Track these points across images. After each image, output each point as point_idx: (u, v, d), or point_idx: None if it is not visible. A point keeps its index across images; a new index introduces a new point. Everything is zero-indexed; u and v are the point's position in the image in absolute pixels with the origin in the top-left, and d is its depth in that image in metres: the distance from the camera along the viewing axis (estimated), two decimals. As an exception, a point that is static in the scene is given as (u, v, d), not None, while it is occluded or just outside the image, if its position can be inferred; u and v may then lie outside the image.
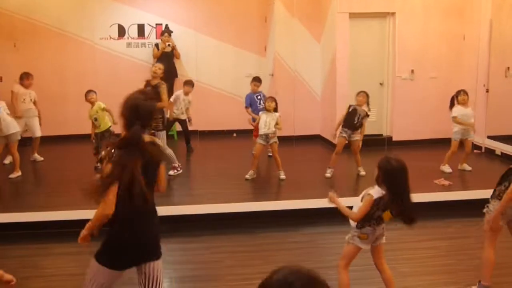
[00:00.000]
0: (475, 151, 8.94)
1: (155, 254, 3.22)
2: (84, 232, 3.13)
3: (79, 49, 10.51)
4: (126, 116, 3.12)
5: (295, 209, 6.30)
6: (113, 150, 3.04)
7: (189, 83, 9.10)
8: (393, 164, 3.68)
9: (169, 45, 10.44)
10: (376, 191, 3.77)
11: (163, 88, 7.54)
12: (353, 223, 3.91)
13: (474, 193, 6.83)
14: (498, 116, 8.00)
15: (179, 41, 10.62)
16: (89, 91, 8.04)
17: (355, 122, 7.56)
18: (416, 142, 9.57)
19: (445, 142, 9.21)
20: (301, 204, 6.33)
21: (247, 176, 7.51)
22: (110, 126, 8.01)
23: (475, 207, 6.50)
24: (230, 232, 5.92)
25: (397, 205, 3.71)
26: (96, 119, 7.97)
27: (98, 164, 8.04)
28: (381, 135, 10.02)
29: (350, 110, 7.62)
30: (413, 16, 9.58)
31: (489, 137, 8.74)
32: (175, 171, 7.77)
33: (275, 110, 7.49)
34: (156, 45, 10.58)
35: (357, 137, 7.57)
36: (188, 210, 6.23)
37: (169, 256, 3.25)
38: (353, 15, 9.46)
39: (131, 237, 3.11)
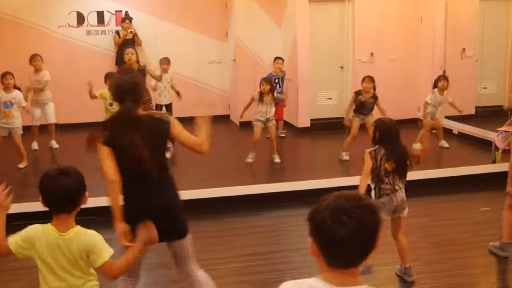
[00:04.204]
0: (433, 131, 9.13)
1: (174, 234, 3.33)
2: (117, 228, 3.13)
3: (36, 38, 10.25)
4: (115, 97, 3.20)
5: (258, 193, 6.35)
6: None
7: (165, 61, 8.93)
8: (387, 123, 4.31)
9: (131, 32, 10.30)
10: (369, 149, 4.31)
11: (150, 70, 7.57)
12: (373, 195, 4.25)
13: (434, 172, 7.03)
14: (455, 96, 8.16)
15: (139, 27, 10.50)
16: (110, 75, 7.46)
17: (365, 113, 7.58)
18: (377, 124, 9.70)
19: (405, 123, 9.39)
20: (264, 189, 6.39)
21: (249, 160, 7.48)
22: None
23: (433, 186, 6.73)
24: (193, 218, 5.93)
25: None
26: (111, 104, 7.71)
27: None
28: (342, 118, 10.10)
29: (357, 103, 7.58)
30: (372, -1, 9.68)
31: (446, 117, 8.93)
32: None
33: (271, 91, 7.46)
34: (117, 32, 10.43)
35: (372, 117, 7.47)
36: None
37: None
38: (312, 0, 9.50)
39: (129, 202, 3.18)
